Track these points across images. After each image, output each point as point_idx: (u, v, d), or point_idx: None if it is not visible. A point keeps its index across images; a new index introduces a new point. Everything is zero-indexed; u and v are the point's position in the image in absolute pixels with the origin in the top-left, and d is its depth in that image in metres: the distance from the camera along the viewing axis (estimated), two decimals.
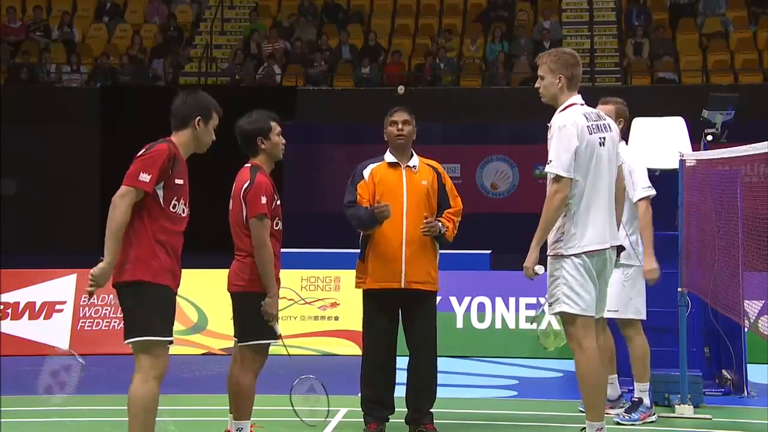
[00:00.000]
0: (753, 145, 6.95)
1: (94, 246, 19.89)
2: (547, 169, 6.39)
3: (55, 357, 6.74)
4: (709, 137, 8.59)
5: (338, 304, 11.13)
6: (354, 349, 10.52)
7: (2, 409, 7.90)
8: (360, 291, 7.43)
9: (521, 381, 9.81)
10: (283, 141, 6.81)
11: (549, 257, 6.45)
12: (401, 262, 7.21)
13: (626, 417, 7.76)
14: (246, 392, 6.58)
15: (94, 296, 10.97)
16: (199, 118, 5.98)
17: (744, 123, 9.40)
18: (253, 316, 6.49)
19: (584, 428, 6.49)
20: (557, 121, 6.45)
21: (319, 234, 16.89)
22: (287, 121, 20.40)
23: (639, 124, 8.78)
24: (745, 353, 8.74)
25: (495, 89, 22.15)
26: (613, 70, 22.85)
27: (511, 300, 10.99)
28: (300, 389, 6.78)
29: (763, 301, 8.28)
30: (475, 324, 10.99)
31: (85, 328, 11.03)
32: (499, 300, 11.03)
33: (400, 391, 7.41)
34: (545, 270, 6.47)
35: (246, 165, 6.74)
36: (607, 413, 7.16)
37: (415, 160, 7.44)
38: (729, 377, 8.79)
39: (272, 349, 6.67)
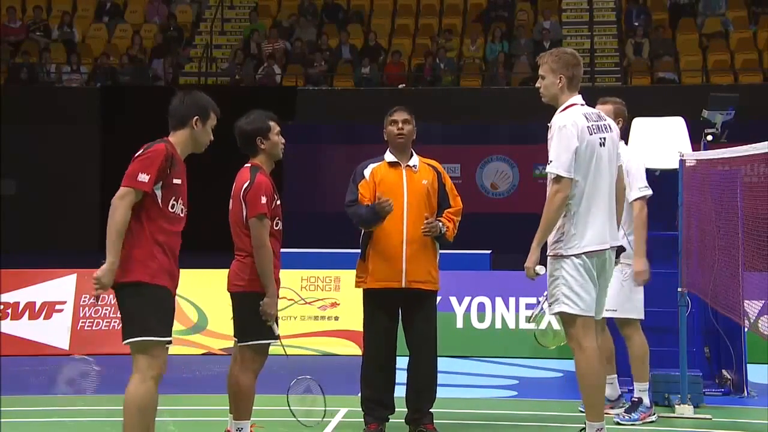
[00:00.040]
0: (753, 145, 6.95)
1: (94, 246, 19.98)
2: (548, 169, 6.39)
3: (74, 360, 6.74)
4: (709, 137, 8.59)
5: (338, 304, 11.13)
6: (354, 349, 10.52)
7: (2, 409, 7.90)
8: (360, 291, 7.43)
9: (521, 381, 9.81)
10: (283, 140, 6.82)
11: (549, 257, 6.45)
12: (402, 262, 7.21)
13: (626, 417, 7.76)
14: (246, 392, 6.58)
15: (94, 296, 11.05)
16: (196, 118, 5.97)
17: (744, 123, 9.40)
18: (253, 316, 6.49)
19: (584, 428, 6.49)
20: (557, 121, 6.45)
21: (319, 234, 16.90)
22: (287, 121, 20.46)
23: (639, 124, 8.78)
24: (745, 353, 8.74)
25: (495, 89, 22.15)
26: (613, 70, 22.85)
27: (511, 300, 10.99)
28: (297, 390, 6.79)
29: (763, 301, 8.28)
30: (475, 324, 10.99)
31: (85, 328, 11.02)
32: (499, 300, 11.02)
33: (400, 391, 7.41)
34: (546, 270, 6.47)
35: (246, 165, 6.74)
36: (606, 413, 7.16)
37: (415, 160, 7.44)
38: (729, 377, 8.79)
39: (272, 349, 6.67)
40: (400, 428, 7.37)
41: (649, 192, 7.83)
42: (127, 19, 25.40)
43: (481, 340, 10.95)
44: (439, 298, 7.72)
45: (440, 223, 7.28)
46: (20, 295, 11.07)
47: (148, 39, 24.33)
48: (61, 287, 11.15)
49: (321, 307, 11.17)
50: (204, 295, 10.96)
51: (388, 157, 7.42)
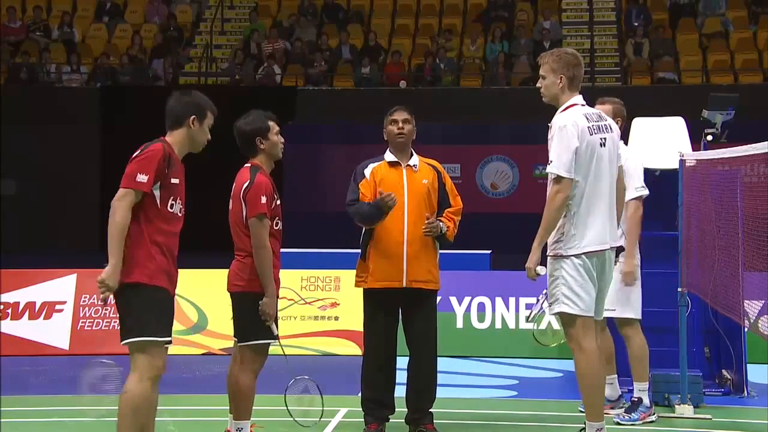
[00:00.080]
0: (753, 145, 6.95)
1: (94, 246, 20.01)
2: (548, 169, 6.39)
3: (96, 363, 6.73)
4: (709, 137, 8.59)
5: (338, 304, 11.13)
6: (354, 349, 10.53)
7: (2, 409, 7.90)
8: (360, 291, 7.43)
9: (521, 381, 9.81)
10: (282, 140, 6.82)
11: (549, 257, 6.45)
12: (403, 262, 7.20)
13: (626, 417, 7.76)
14: (246, 392, 6.58)
15: (95, 296, 11.07)
16: (193, 117, 5.95)
17: (744, 123, 9.40)
18: (253, 316, 6.49)
19: (584, 428, 6.49)
20: (558, 121, 6.45)
21: (319, 234, 16.90)
22: (287, 121, 20.44)
23: (639, 124, 8.78)
24: (745, 353, 8.74)
25: (495, 89, 22.16)
26: (613, 70, 22.86)
27: (511, 300, 10.99)
28: (294, 390, 6.78)
29: (763, 301, 8.28)
30: (475, 324, 10.99)
31: (85, 328, 11.02)
32: (499, 300, 11.03)
33: (400, 391, 7.41)
34: (547, 271, 6.47)
35: (246, 165, 6.74)
36: (606, 413, 7.16)
37: (415, 160, 7.44)
38: (729, 377, 8.79)
39: (272, 350, 6.67)
40: (400, 428, 7.37)
41: (646, 192, 7.84)
42: (127, 19, 25.40)
43: (481, 340, 10.95)
44: (439, 298, 7.72)
45: (441, 223, 7.28)
46: (20, 295, 11.07)
47: (148, 39, 24.33)
48: (61, 287, 11.15)
49: (321, 307, 11.16)
50: (204, 295, 10.97)
51: (388, 156, 7.42)
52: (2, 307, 10.98)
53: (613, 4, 24.40)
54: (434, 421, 7.36)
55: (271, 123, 6.75)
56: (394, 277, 7.21)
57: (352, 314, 10.12)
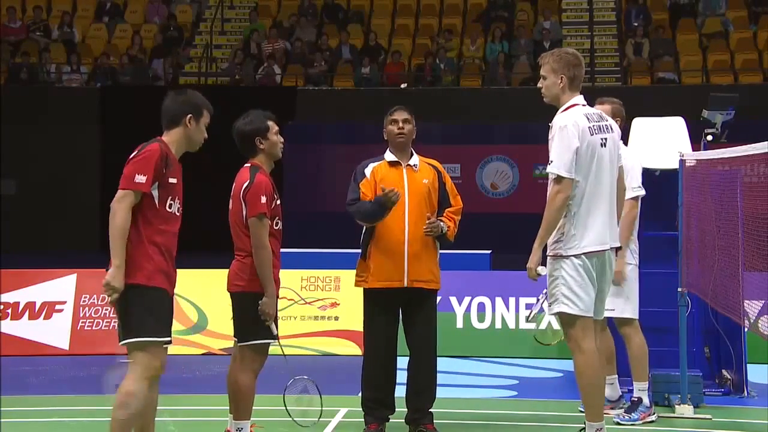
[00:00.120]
0: (753, 145, 6.95)
1: (94, 246, 20.00)
2: (548, 169, 6.39)
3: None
4: (709, 137, 8.59)
5: (338, 304, 11.12)
6: (354, 349, 10.53)
7: (2, 409, 7.90)
8: (360, 290, 7.42)
9: (521, 381, 9.81)
10: (281, 140, 6.82)
11: (549, 257, 6.45)
12: (404, 261, 7.20)
13: (626, 417, 7.76)
14: (246, 392, 6.58)
15: (95, 296, 11.08)
16: (190, 116, 5.94)
17: (744, 123, 9.40)
18: (253, 316, 6.49)
19: (584, 428, 6.49)
20: (558, 121, 6.45)
21: (319, 234, 16.91)
22: (287, 121, 20.44)
23: (639, 124, 8.78)
24: (745, 353, 8.74)
25: (495, 89, 22.16)
26: (613, 70, 22.86)
27: (511, 300, 10.99)
28: (293, 390, 6.78)
29: (763, 301, 8.29)
30: (475, 324, 10.99)
31: (85, 328, 11.02)
32: (499, 300, 11.02)
33: (400, 391, 7.40)
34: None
35: (245, 165, 6.74)
36: (606, 413, 7.17)
37: (416, 159, 7.44)
38: (729, 377, 8.79)
39: (272, 349, 6.67)
40: (400, 428, 7.37)
41: (642, 193, 7.84)
42: (127, 19, 25.41)
43: (481, 340, 10.95)
44: (439, 298, 7.72)
45: (442, 223, 7.28)
46: (20, 295, 11.06)
47: (148, 39, 24.33)
48: (61, 287, 11.14)
49: (321, 307, 11.16)
50: (204, 295, 10.96)
51: (389, 156, 7.42)
52: (2, 307, 10.98)
53: (613, 4, 24.40)
54: (434, 421, 7.35)
55: (270, 123, 6.75)
56: (396, 277, 7.21)
57: (352, 314, 10.12)
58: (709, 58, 22.39)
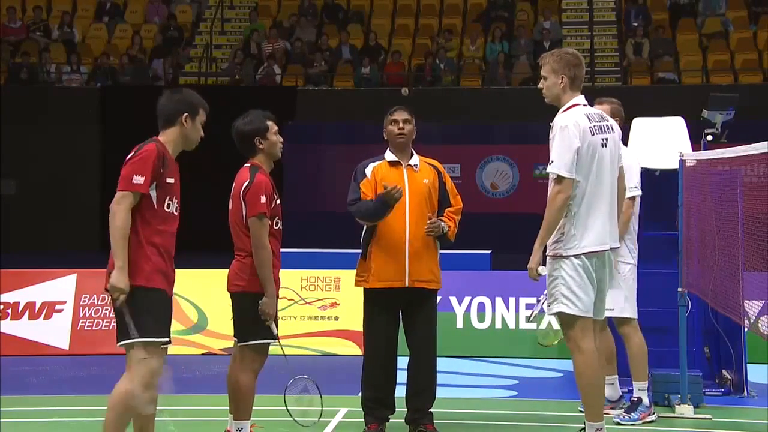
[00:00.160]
0: (753, 145, 6.95)
1: (94, 246, 19.99)
2: (549, 169, 6.38)
3: None
4: (709, 137, 8.59)
5: (338, 304, 11.12)
6: (354, 349, 10.53)
7: (2, 409, 7.90)
8: (360, 290, 7.42)
9: (521, 381, 9.81)
10: (281, 140, 6.82)
11: (548, 257, 6.44)
12: (405, 261, 7.20)
13: (626, 417, 7.75)
14: (246, 392, 6.58)
15: (95, 296, 11.07)
16: (186, 115, 5.93)
17: (744, 123, 9.40)
18: (253, 316, 6.49)
19: (584, 428, 6.49)
20: (559, 121, 6.45)
21: (319, 234, 16.92)
22: (287, 121, 20.42)
23: (639, 124, 8.78)
24: (745, 353, 8.74)
25: (495, 89, 22.16)
26: (613, 70, 22.86)
27: (511, 300, 10.99)
28: (294, 390, 6.79)
29: (763, 301, 8.28)
30: (475, 324, 10.99)
31: (85, 328, 11.02)
32: (499, 300, 11.02)
33: (400, 391, 7.40)
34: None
35: (245, 165, 6.74)
36: (606, 413, 7.17)
37: (416, 159, 7.44)
38: (729, 377, 8.79)
39: (272, 349, 6.67)
40: (400, 428, 7.37)
41: (638, 193, 7.85)
42: (127, 19, 25.41)
43: (481, 340, 10.95)
44: (439, 298, 7.72)
45: (443, 223, 7.28)
46: (20, 295, 11.06)
47: (148, 39, 24.33)
48: (61, 287, 11.14)
49: (321, 307, 11.16)
50: (204, 295, 10.96)
51: (389, 156, 7.42)
52: (2, 307, 10.98)
53: (613, 4, 24.40)
54: (434, 421, 7.35)
55: (269, 123, 6.75)
56: (397, 277, 7.21)
57: (352, 314, 10.11)
58: (709, 58, 22.39)
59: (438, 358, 7.45)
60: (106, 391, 5.81)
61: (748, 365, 8.81)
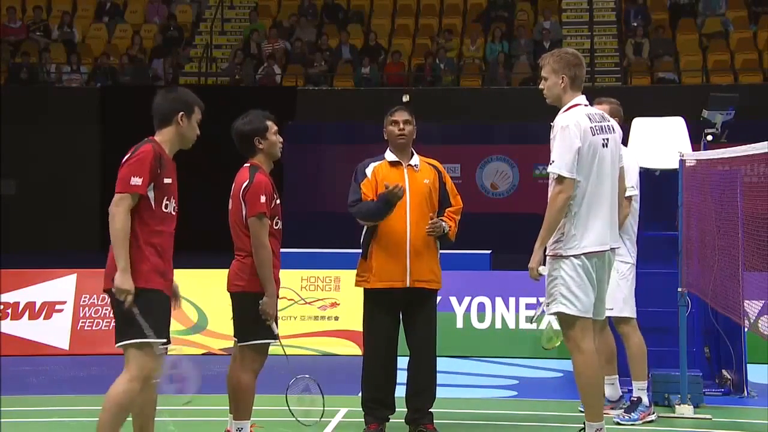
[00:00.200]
0: (753, 145, 6.95)
1: (94, 246, 19.99)
2: (550, 169, 6.38)
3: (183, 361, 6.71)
4: (709, 137, 8.59)
5: (338, 304, 11.12)
6: (354, 349, 10.53)
7: (2, 409, 7.90)
8: (360, 290, 7.42)
9: (521, 381, 9.81)
10: (280, 139, 6.82)
11: (548, 257, 6.44)
12: (406, 261, 7.20)
13: (626, 417, 7.75)
14: (246, 392, 6.58)
15: (95, 296, 11.07)
16: (181, 113, 5.91)
17: (744, 123, 9.40)
18: (253, 316, 6.49)
19: (583, 428, 6.49)
20: (560, 121, 6.44)
21: (319, 234, 16.91)
22: (287, 121, 20.40)
23: (639, 124, 8.78)
24: (745, 353, 8.74)
25: (495, 89, 22.16)
26: (613, 70, 22.86)
27: (511, 300, 10.99)
28: (295, 389, 6.79)
29: (763, 301, 8.28)
30: (475, 324, 10.99)
31: (85, 328, 11.02)
32: (499, 300, 11.02)
33: (400, 391, 7.40)
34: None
35: (245, 165, 6.74)
36: (606, 413, 7.17)
37: (416, 159, 7.44)
38: (729, 377, 8.79)
39: (272, 349, 6.67)
40: (400, 428, 7.37)
41: (635, 193, 7.84)
42: (127, 19, 25.40)
43: (481, 340, 10.95)
44: (439, 298, 7.73)
45: (444, 223, 7.28)
46: (20, 295, 11.07)
47: (148, 39, 24.33)
48: (61, 287, 11.15)
49: (321, 307, 11.16)
50: (204, 295, 10.96)
51: (389, 156, 7.42)
52: (2, 307, 10.98)
53: (613, 4, 24.40)
54: (434, 421, 7.35)
55: (269, 123, 6.75)
56: (398, 277, 7.21)
57: (352, 314, 10.11)
58: (709, 58, 22.39)
59: (438, 358, 7.45)
60: (106, 392, 5.80)
61: (748, 365, 8.81)
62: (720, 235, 7.71)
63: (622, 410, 7.84)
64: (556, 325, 6.98)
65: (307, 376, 6.81)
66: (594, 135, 6.42)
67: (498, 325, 10.99)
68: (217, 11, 24.84)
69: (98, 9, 25.50)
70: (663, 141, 8.57)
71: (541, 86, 6.66)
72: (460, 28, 24.35)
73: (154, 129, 5.95)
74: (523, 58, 22.63)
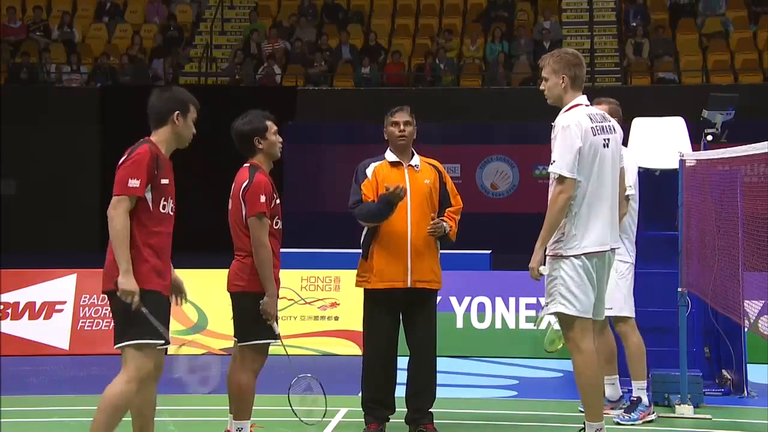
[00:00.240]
0: (753, 145, 6.95)
1: (94, 246, 19.99)
2: (551, 169, 6.38)
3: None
4: (709, 137, 8.59)
5: (338, 304, 11.12)
6: (354, 349, 10.52)
7: (2, 409, 7.90)
8: (360, 290, 7.42)
9: (521, 381, 9.81)
10: (280, 139, 6.82)
11: (548, 257, 6.44)
12: (407, 262, 7.20)
13: (626, 417, 7.75)
14: (246, 392, 6.58)
15: (95, 296, 11.07)
16: (177, 112, 5.89)
17: (744, 123, 9.40)
18: (253, 315, 6.49)
19: (583, 428, 6.49)
20: (561, 121, 6.44)
21: (319, 234, 16.92)
22: (287, 121, 20.39)
23: (639, 124, 8.78)
24: (745, 353, 8.74)
25: (495, 89, 22.16)
26: (613, 70, 22.86)
27: (511, 300, 10.99)
28: (297, 388, 6.78)
29: (763, 301, 8.28)
30: (475, 324, 10.99)
31: (85, 328, 11.02)
32: (499, 300, 11.02)
33: (400, 391, 7.40)
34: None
35: (245, 165, 6.74)
36: (606, 413, 7.17)
37: (417, 160, 7.44)
38: (729, 377, 8.79)
39: (272, 349, 6.67)
40: (400, 428, 7.37)
41: (632, 192, 7.84)
42: (127, 19, 25.40)
43: (481, 340, 10.95)
44: (439, 298, 7.73)
45: (445, 223, 7.28)
46: (20, 295, 11.06)
47: (148, 39, 24.33)
48: (61, 287, 11.14)
49: (321, 307, 11.16)
50: (204, 295, 10.95)
51: (390, 156, 7.41)
52: (2, 307, 10.98)
53: (613, 4, 24.41)
54: (434, 421, 7.35)
55: (269, 123, 6.75)
56: (399, 278, 7.21)
57: (352, 314, 10.11)
58: (709, 58, 22.39)
59: (438, 358, 7.45)
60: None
61: (748, 365, 8.81)
62: (720, 235, 7.71)
63: (622, 410, 7.84)
64: (556, 326, 6.98)
65: (309, 375, 6.81)
66: (595, 135, 6.42)
67: (498, 325, 10.99)
68: (217, 11, 24.84)
69: (98, 9, 25.51)
70: (663, 141, 8.57)
71: (541, 87, 6.66)
72: (460, 28, 24.35)
73: (150, 129, 5.93)
74: (523, 58, 22.63)
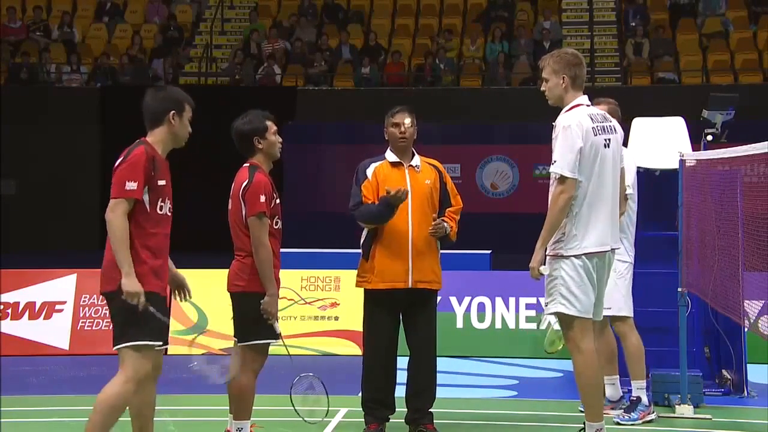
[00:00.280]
0: (753, 145, 6.95)
1: (94, 246, 19.97)
2: (552, 169, 6.38)
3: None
4: (709, 137, 8.59)
5: (338, 304, 11.12)
6: (354, 349, 10.53)
7: (2, 409, 7.90)
8: (360, 290, 7.42)
9: (521, 381, 9.81)
10: (280, 139, 6.81)
11: (548, 257, 6.44)
12: (408, 262, 7.20)
13: (625, 417, 7.75)
14: (246, 392, 6.57)
15: (95, 296, 11.07)
16: (173, 112, 5.88)
17: (744, 123, 9.40)
18: (253, 316, 6.49)
19: (583, 428, 6.49)
20: (562, 121, 6.44)
21: (319, 234, 16.92)
22: (287, 121, 20.39)
23: (639, 124, 8.78)
24: (745, 353, 8.74)
25: (495, 89, 22.16)
26: (613, 70, 22.86)
27: (511, 300, 10.99)
28: (299, 387, 6.78)
29: (763, 301, 8.29)
30: (475, 324, 10.99)
31: (85, 328, 11.02)
32: (499, 300, 11.02)
33: (400, 391, 7.40)
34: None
35: (244, 164, 6.74)
36: (606, 413, 7.17)
37: (417, 160, 7.43)
38: (729, 377, 8.79)
39: (272, 349, 6.66)
40: (400, 428, 7.37)
41: (631, 192, 7.84)
42: (127, 19, 25.41)
43: (481, 340, 10.95)
44: (439, 298, 7.73)
45: (446, 224, 7.28)
46: (20, 295, 11.06)
47: (148, 39, 24.33)
48: (61, 287, 11.15)
49: (321, 307, 11.16)
50: (204, 295, 10.90)
51: (390, 156, 7.41)
52: (2, 307, 10.98)
53: (613, 4, 24.41)
54: (434, 421, 7.35)
55: (268, 123, 6.75)
56: (400, 278, 7.21)
57: (352, 314, 10.11)
58: (709, 58, 22.39)
59: (438, 358, 7.45)
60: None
61: (748, 365, 8.81)
62: (720, 235, 7.71)
63: (622, 410, 7.84)
64: (557, 326, 6.98)
65: (311, 374, 6.81)
66: (596, 135, 6.42)
67: (498, 325, 10.99)
68: (217, 11, 24.85)
69: (98, 9, 25.51)
70: (663, 141, 8.57)
71: (542, 88, 6.66)
72: (460, 28, 24.36)
73: (146, 129, 5.92)
74: (523, 58, 22.63)
